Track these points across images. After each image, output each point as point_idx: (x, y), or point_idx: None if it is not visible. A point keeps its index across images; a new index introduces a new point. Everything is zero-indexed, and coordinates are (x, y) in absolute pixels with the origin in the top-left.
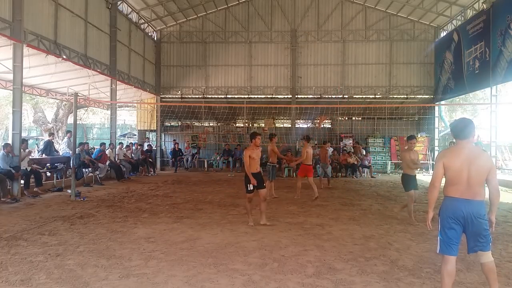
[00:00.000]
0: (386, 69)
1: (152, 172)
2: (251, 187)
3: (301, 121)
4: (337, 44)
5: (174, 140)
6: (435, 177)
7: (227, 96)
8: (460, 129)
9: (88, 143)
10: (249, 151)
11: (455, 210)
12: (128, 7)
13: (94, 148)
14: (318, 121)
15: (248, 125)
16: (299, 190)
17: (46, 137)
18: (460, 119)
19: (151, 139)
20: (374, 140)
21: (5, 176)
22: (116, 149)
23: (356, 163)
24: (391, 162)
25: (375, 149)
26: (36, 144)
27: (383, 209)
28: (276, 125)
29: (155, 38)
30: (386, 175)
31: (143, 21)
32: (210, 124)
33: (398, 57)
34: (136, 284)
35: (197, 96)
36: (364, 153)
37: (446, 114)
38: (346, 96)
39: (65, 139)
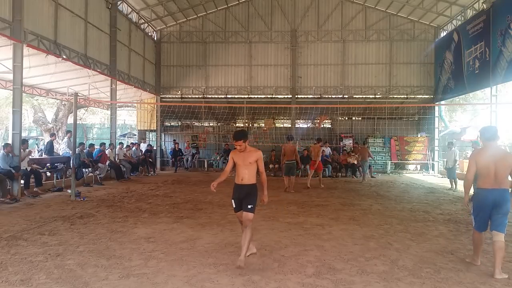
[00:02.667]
0: (386, 69)
1: (152, 172)
2: (233, 204)
3: (301, 121)
4: (337, 44)
5: (174, 140)
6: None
7: (227, 96)
8: (492, 134)
9: (83, 143)
10: (232, 153)
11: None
12: (128, 7)
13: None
14: (318, 121)
15: (248, 125)
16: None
17: (46, 137)
18: (488, 126)
19: (150, 139)
20: (374, 140)
21: (5, 176)
22: (116, 149)
23: (356, 163)
24: (391, 162)
25: (375, 149)
26: (36, 144)
27: (383, 209)
28: (276, 125)
29: (155, 38)
30: (386, 175)
31: (143, 21)
32: (210, 124)
33: (398, 57)
34: (136, 284)
35: (197, 96)
36: None
37: (446, 114)
38: (346, 96)
39: (65, 139)
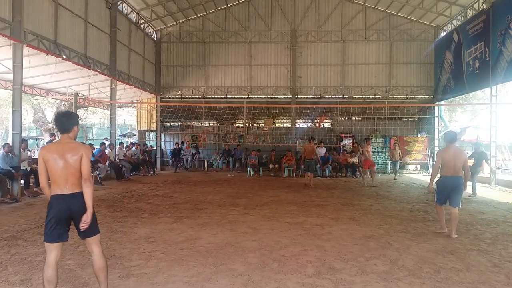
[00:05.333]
0: (386, 69)
1: (152, 172)
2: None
3: (301, 121)
4: (337, 44)
5: (176, 143)
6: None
7: (227, 96)
8: (452, 138)
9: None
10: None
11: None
12: (128, 7)
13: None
14: (318, 121)
15: (248, 125)
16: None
17: (46, 137)
18: (450, 132)
19: (150, 139)
20: (374, 140)
21: (5, 176)
22: (116, 149)
23: (355, 162)
24: (391, 162)
25: (375, 149)
26: (36, 144)
27: (383, 209)
28: (276, 125)
29: (155, 38)
30: (386, 175)
31: (143, 21)
32: (210, 124)
33: (398, 57)
34: (136, 284)
35: (197, 96)
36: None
37: (446, 114)
38: (346, 96)
39: None
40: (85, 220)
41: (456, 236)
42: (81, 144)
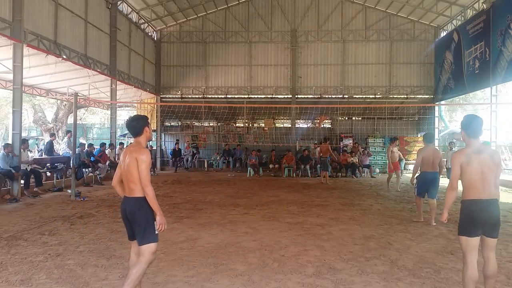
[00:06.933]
0: (386, 69)
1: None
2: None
3: (301, 121)
4: (337, 44)
5: (177, 140)
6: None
7: (227, 96)
8: (431, 138)
9: (84, 143)
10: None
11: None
12: (128, 7)
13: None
14: (318, 121)
15: (248, 125)
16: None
17: (46, 137)
18: (429, 133)
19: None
20: (374, 140)
21: (5, 176)
22: (116, 149)
23: (355, 162)
24: None
25: (375, 149)
26: (36, 144)
27: (383, 209)
28: (276, 125)
29: (155, 38)
30: (386, 175)
31: (143, 21)
32: (210, 124)
33: (398, 57)
34: None
35: (197, 96)
36: (362, 150)
37: (446, 114)
38: (346, 96)
39: (65, 139)
40: (161, 223)
41: (435, 224)
42: (140, 149)
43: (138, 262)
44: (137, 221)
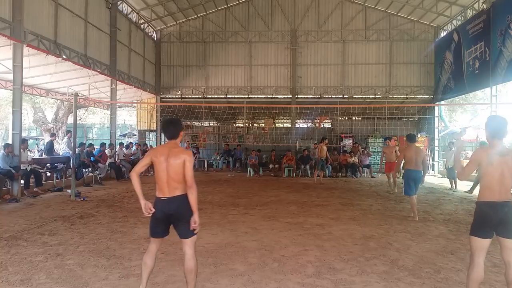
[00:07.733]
0: (386, 69)
1: (152, 172)
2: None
3: (301, 121)
4: (337, 44)
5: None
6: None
7: (227, 96)
8: (413, 138)
9: (84, 143)
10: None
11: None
12: (128, 7)
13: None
14: (318, 121)
15: (248, 125)
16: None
17: (46, 137)
18: (411, 134)
19: (150, 139)
20: (374, 140)
21: (5, 176)
22: (116, 149)
23: (355, 162)
24: None
25: (375, 149)
26: (36, 144)
27: (383, 209)
28: (276, 125)
29: (155, 38)
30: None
31: (143, 21)
32: (210, 124)
33: (398, 57)
34: (136, 284)
35: (197, 96)
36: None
37: (446, 114)
38: (346, 96)
39: (65, 139)
40: (195, 222)
41: (417, 219)
42: (184, 150)
43: (189, 258)
44: (185, 217)
